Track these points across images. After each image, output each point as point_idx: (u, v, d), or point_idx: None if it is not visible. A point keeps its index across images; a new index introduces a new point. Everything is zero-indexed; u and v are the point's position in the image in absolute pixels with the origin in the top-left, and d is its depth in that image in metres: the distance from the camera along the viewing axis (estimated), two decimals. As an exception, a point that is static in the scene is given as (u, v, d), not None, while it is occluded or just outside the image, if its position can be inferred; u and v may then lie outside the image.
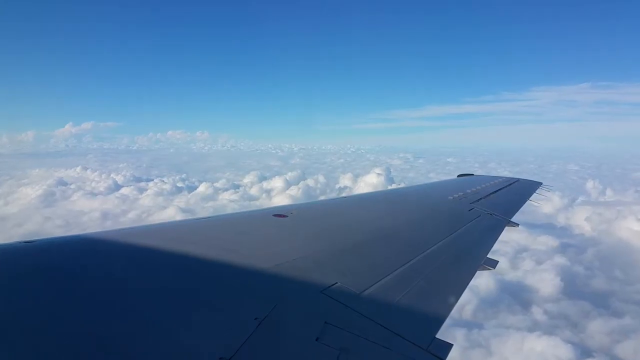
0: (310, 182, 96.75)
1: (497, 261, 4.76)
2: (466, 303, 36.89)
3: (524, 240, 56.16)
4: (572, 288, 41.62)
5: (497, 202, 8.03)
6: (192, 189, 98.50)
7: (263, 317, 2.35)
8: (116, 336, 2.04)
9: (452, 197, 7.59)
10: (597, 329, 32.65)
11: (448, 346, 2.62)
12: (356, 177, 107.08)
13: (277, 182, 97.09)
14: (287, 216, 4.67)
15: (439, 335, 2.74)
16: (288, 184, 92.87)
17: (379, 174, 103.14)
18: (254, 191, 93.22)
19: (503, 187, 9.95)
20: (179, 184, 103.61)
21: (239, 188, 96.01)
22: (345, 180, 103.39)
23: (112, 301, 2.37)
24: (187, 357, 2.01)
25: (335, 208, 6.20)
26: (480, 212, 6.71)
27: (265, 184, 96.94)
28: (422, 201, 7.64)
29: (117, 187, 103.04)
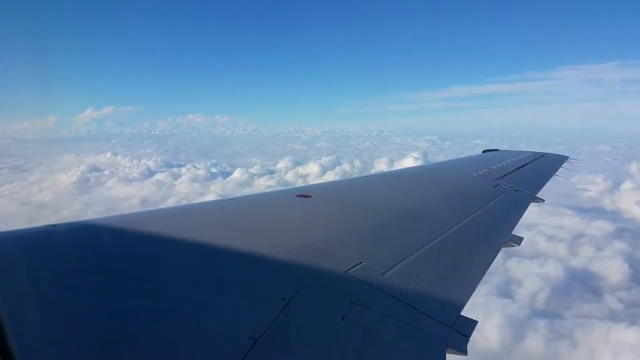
0: (346, 167, 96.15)
1: (522, 238, 4.67)
2: (538, 291, 36.17)
3: (577, 225, 55.10)
4: (638, 274, 40.39)
5: (523, 178, 7.97)
6: (225, 174, 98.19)
7: (290, 298, 2.37)
8: (147, 316, 2.07)
9: (477, 174, 7.55)
10: (682, 317, 31.36)
11: (473, 323, 2.61)
12: (391, 161, 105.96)
13: (312, 168, 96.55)
14: (311, 196, 4.67)
15: (464, 313, 2.72)
16: (324, 169, 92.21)
17: (416, 158, 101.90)
18: (289, 177, 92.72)
19: (529, 162, 9.78)
20: (213, 170, 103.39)
21: (274, 174, 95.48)
22: (381, 165, 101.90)
23: (141, 282, 2.41)
24: (217, 338, 2.01)
25: (359, 187, 6.18)
26: (505, 188, 6.66)
27: (300, 169, 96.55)
28: (447, 178, 7.64)
29: (151, 173, 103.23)
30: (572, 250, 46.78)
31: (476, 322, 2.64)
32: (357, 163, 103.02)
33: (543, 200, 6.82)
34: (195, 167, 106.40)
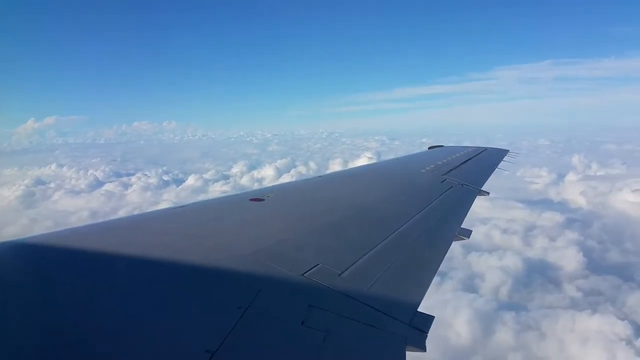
0: (301, 169, 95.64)
1: (471, 230, 4.84)
2: (501, 284, 37.33)
3: (528, 217, 57.28)
4: (593, 263, 42.26)
5: (468, 172, 8.23)
6: (178, 182, 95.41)
7: (247, 306, 2.32)
8: (96, 335, 1.99)
9: (424, 170, 7.70)
10: (638, 302, 33.01)
11: (430, 319, 2.65)
12: (346, 162, 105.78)
13: (267, 171, 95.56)
14: (264, 199, 4.63)
15: (422, 309, 2.78)
16: (279, 172, 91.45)
17: (369, 157, 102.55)
18: (245, 181, 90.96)
19: (472, 157, 10.17)
20: (165, 177, 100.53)
21: (229, 178, 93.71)
22: (335, 166, 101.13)
23: (88, 299, 2.32)
24: (172, 353, 1.95)
25: (312, 188, 6.16)
26: (452, 183, 6.83)
27: (255, 173, 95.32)
28: (397, 175, 7.79)
29: (99, 183, 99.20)
30: (527, 242, 48.60)
31: (433, 317, 2.69)
32: (312, 165, 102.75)
33: (488, 193, 7.02)
34: (146, 175, 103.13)
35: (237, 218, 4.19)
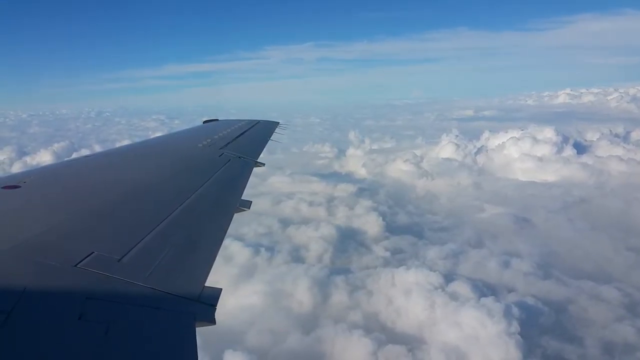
0: (85, 152, 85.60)
1: (251, 201, 5.05)
2: (323, 252, 40.03)
3: (325, 189, 62.22)
4: (389, 225, 48.01)
5: (244, 145, 8.40)
6: None
7: (10, 309, 2.06)
8: None
9: (201, 145, 7.63)
10: (435, 255, 38.72)
11: (218, 292, 2.72)
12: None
13: (44, 156, 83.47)
14: (20, 186, 4.11)
15: (214, 284, 2.84)
16: (59, 157, 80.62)
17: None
18: (17, 169, 78.61)
19: (247, 130, 10.31)
20: None
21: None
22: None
23: None
24: None
25: (79, 169, 5.66)
26: (230, 156, 6.88)
27: (29, 160, 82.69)
28: (174, 151, 7.53)
29: None
30: (331, 212, 52.86)
31: (220, 289, 2.75)
32: (97, 148, 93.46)
33: (263, 164, 7.31)
34: None
35: None
